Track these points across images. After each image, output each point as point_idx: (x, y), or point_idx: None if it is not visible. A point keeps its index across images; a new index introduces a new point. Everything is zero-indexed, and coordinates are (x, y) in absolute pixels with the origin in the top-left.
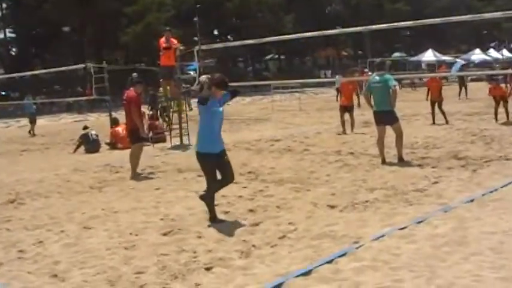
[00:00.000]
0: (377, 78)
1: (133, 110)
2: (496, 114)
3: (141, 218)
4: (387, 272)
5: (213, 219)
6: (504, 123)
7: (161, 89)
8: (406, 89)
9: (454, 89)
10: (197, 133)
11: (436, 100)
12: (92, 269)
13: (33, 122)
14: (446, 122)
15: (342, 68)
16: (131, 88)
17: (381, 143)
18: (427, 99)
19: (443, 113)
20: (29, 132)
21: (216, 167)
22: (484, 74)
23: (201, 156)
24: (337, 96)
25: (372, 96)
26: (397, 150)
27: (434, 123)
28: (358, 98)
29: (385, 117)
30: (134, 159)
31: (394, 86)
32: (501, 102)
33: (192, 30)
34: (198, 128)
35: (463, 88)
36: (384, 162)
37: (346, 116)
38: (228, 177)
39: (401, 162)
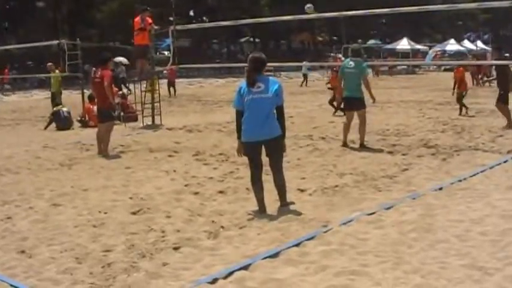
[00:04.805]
0: (351, 63)
1: (107, 86)
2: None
3: (110, 196)
4: (354, 256)
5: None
6: (472, 116)
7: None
8: (381, 77)
9: (424, 78)
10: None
11: None
12: (59, 246)
13: None
14: None
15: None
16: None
17: (347, 127)
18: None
19: None
20: None
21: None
22: (458, 64)
23: None
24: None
25: (343, 81)
26: (359, 136)
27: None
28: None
29: (355, 103)
30: (103, 138)
31: (367, 74)
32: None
33: (167, 10)
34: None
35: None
36: (345, 145)
37: None
38: None
39: (363, 148)
